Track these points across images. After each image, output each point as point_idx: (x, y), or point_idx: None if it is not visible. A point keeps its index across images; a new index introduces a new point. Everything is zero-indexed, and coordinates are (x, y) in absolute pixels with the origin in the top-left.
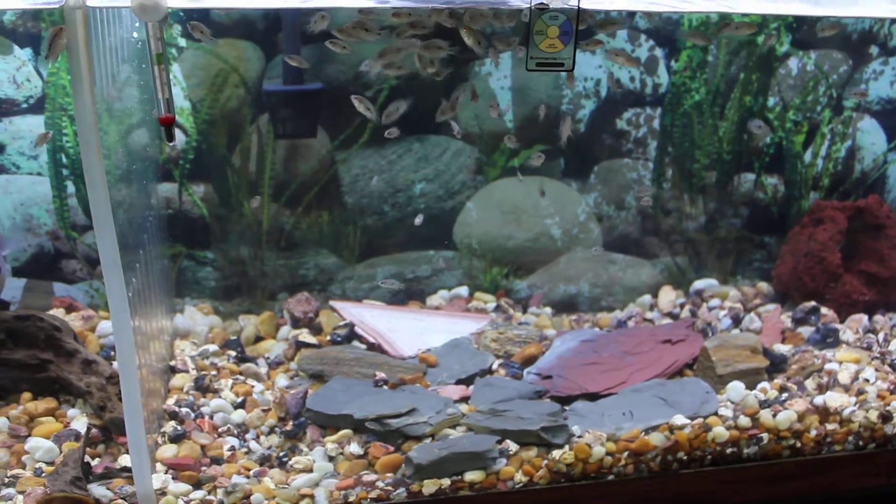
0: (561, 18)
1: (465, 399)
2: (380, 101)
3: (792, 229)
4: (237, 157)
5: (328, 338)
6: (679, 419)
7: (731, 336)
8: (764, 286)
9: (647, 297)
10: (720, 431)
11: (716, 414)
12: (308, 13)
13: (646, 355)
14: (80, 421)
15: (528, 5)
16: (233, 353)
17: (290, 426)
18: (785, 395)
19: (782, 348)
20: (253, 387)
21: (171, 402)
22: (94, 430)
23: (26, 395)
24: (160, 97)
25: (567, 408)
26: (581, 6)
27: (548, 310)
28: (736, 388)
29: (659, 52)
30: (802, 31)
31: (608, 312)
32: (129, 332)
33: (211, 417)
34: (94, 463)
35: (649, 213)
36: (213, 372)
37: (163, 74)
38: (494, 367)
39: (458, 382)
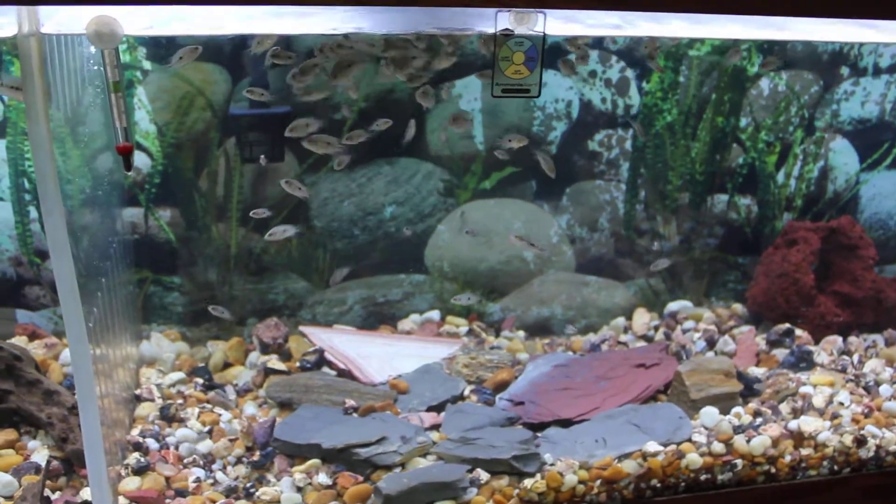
0: (527, 44)
1: (436, 426)
2: (348, 124)
3: (766, 250)
4: (204, 180)
5: (298, 364)
6: (652, 446)
7: (705, 360)
8: (738, 307)
9: (620, 320)
10: (694, 458)
11: (689, 440)
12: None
13: (619, 380)
14: (40, 453)
15: (494, 31)
16: (200, 381)
17: (257, 456)
18: (759, 419)
19: (757, 371)
20: (220, 415)
21: (135, 432)
22: (54, 463)
23: None
24: (118, 125)
25: (539, 435)
26: (546, 32)
27: (521, 333)
28: (710, 413)
29: (630, 73)
30: (773, 52)
31: (581, 335)
32: (87, 363)
33: (176, 448)
34: (54, 497)
35: (622, 235)
36: (180, 400)
37: (120, 102)
38: (466, 393)
39: (429, 409)
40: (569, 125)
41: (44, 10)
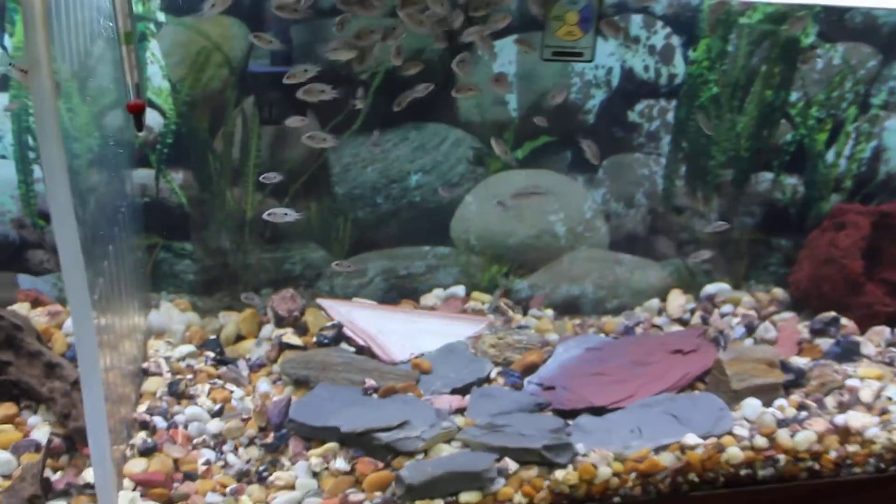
0: (581, 3)
1: (460, 410)
2: (375, 85)
3: (811, 233)
4: (219, 141)
5: (314, 339)
6: (691, 438)
7: (748, 348)
8: (779, 292)
9: (655, 301)
10: (735, 452)
11: (730, 433)
12: None
13: (655, 366)
14: (41, 430)
15: None
16: (211, 355)
17: (270, 438)
18: (804, 413)
19: (799, 361)
20: (232, 392)
21: (142, 408)
22: (56, 441)
23: None
24: (129, 81)
25: (570, 422)
26: None
27: (549, 312)
28: (752, 405)
29: (676, 41)
30: (830, 22)
31: (614, 316)
32: (91, 334)
33: (185, 427)
34: (55, 477)
35: (659, 212)
36: (189, 375)
37: (131, 56)
38: (492, 375)
39: (454, 392)
40: (608, 94)
41: None
